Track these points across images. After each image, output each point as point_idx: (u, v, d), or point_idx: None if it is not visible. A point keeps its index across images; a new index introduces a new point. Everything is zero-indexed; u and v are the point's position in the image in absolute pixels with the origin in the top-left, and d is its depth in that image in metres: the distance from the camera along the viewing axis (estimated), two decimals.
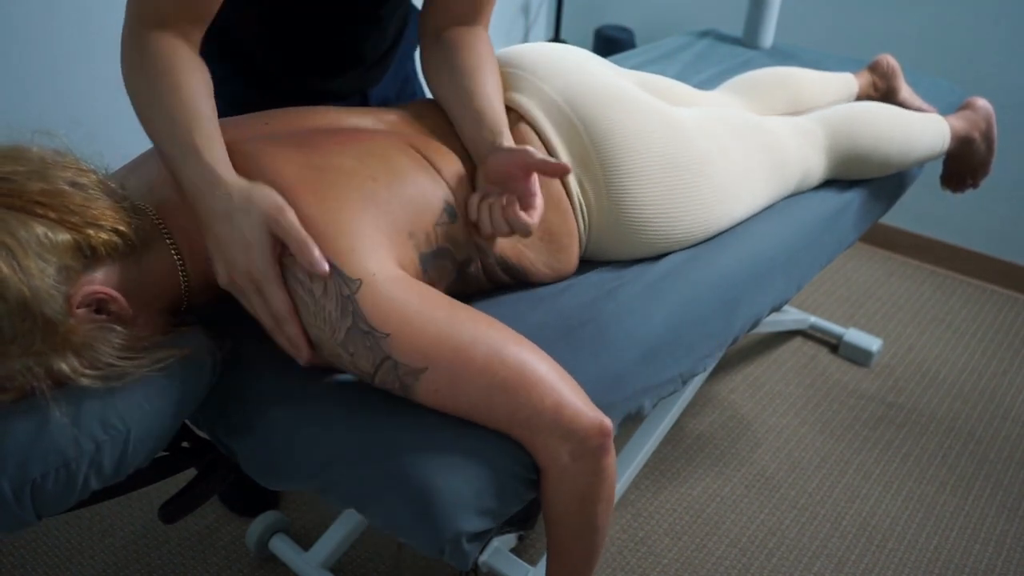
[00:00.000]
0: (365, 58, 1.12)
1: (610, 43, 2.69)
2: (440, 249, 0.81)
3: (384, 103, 1.22)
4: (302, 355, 0.73)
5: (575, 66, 1.02)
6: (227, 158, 0.73)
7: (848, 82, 1.45)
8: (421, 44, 0.99)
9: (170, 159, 0.73)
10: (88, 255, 0.67)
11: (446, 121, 0.96)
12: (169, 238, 0.74)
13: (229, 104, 0.95)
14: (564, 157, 0.95)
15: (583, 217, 0.96)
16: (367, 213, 0.74)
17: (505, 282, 0.92)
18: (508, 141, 0.87)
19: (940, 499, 1.60)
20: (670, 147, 0.99)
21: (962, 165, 1.47)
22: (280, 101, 0.94)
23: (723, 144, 1.06)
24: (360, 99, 1.19)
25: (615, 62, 1.68)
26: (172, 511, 0.85)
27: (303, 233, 0.68)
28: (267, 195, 0.69)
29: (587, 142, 0.95)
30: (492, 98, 0.91)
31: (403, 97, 1.26)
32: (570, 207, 0.95)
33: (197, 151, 0.71)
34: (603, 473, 0.75)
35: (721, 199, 1.04)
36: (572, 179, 0.95)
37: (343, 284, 0.68)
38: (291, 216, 0.69)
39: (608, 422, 0.73)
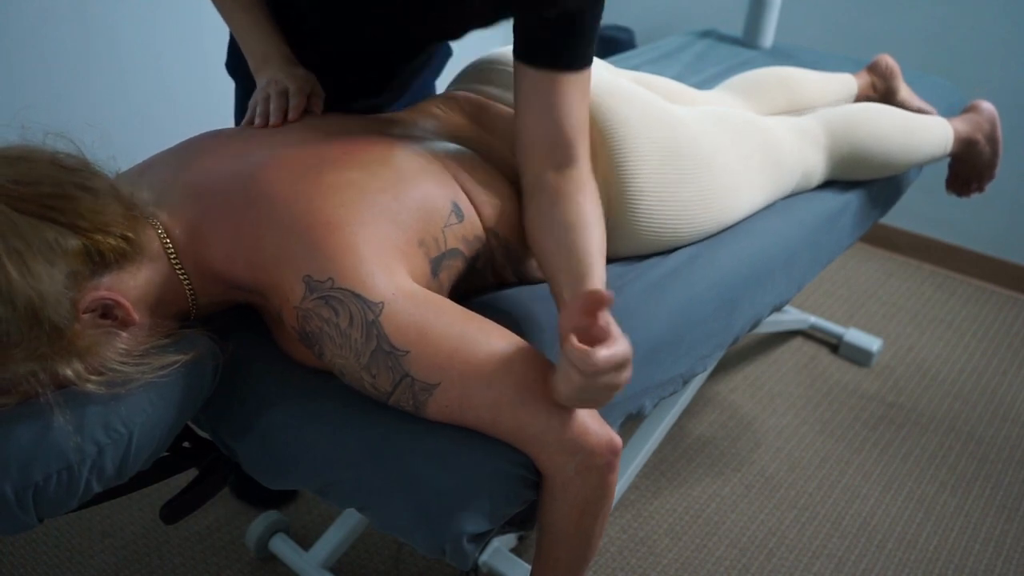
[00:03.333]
0: (392, 84, 1.13)
1: (610, 43, 2.69)
2: (450, 251, 0.81)
3: None
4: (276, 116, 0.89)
5: None
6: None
7: (847, 82, 1.45)
8: (524, 193, 0.88)
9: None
10: (96, 260, 0.67)
11: (451, 119, 0.96)
12: (174, 257, 0.74)
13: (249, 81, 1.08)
14: None
15: None
16: (379, 230, 0.73)
17: (509, 280, 0.92)
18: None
19: (940, 499, 1.60)
20: (669, 138, 0.99)
21: (967, 168, 1.46)
22: None
23: (720, 142, 1.06)
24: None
25: (615, 62, 1.68)
26: (173, 511, 0.86)
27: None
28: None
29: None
30: (597, 257, 0.80)
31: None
32: None
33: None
34: (606, 489, 0.75)
35: (720, 193, 1.04)
36: None
37: (367, 310, 0.68)
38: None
39: (617, 439, 0.73)
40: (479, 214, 0.85)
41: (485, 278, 0.90)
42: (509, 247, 0.89)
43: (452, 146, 0.90)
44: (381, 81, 1.13)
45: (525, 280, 0.94)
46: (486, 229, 0.86)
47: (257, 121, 0.89)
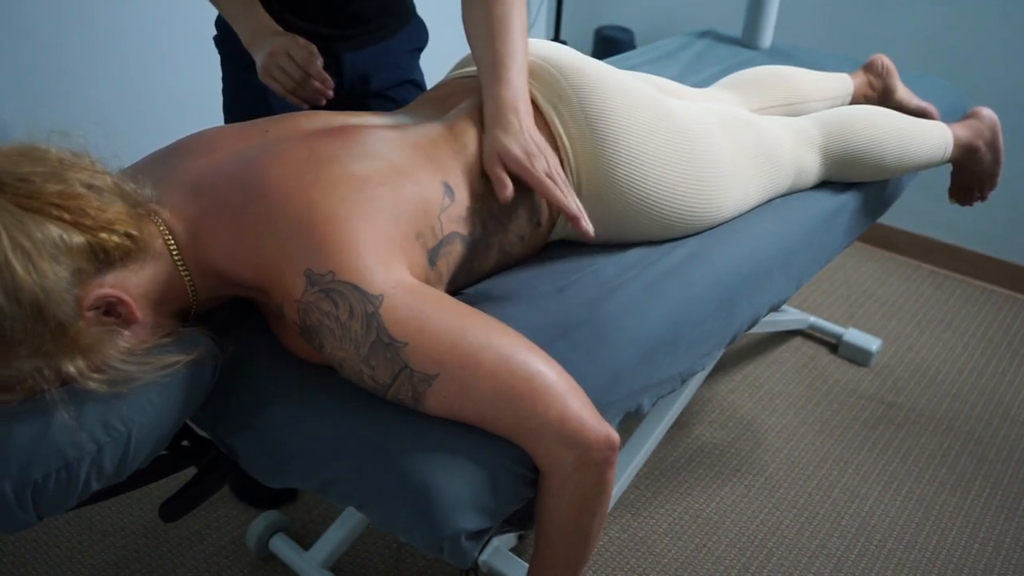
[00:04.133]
0: (346, 12, 1.19)
1: (610, 43, 2.69)
2: (447, 237, 0.82)
3: (360, 77, 1.27)
4: (327, 88, 1.04)
5: (552, 47, 1.04)
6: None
7: (844, 81, 1.45)
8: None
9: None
10: (100, 258, 0.68)
11: (434, 105, 0.98)
12: (176, 254, 0.74)
13: (218, 40, 1.23)
14: (536, 91, 0.97)
15: (565, 148, 0.96)
16: (378, 225, 0.74)
17: (513, 249, 0.93)
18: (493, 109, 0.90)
19: (939, 499, 1.60)
20: (647, 108, 1.00)
21: (968, 176, 1.45)
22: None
23: (710, 130, 1.06)
24: (333, 60, 1.23)
25: (615, 62, 1.68)
26: (172, 510, 0.86)
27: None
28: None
29: (560, 79, 0.97)
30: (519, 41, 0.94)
31: (389, 87, 1.31)
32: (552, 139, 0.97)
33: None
34: (604, 486, 0.75)
35: (709, 172, 1.03)
36: (547, 107, 0.97)
37: (367, 302, 0.69)
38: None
39: (615, 435, 0.74)
40: (465, 175, 0.87)
41: (488, 245, 0.91)
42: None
43: (431, 126, 0.91)
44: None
45: (521, 213, 0.95)
46: (477, 175, 0.88)
47: (305, 107, 1.03)
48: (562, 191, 0.87)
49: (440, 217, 0.82)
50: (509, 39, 0.92)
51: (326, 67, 1.22)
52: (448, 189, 0.84)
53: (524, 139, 0.88)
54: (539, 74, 0.99)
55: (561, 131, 0.96)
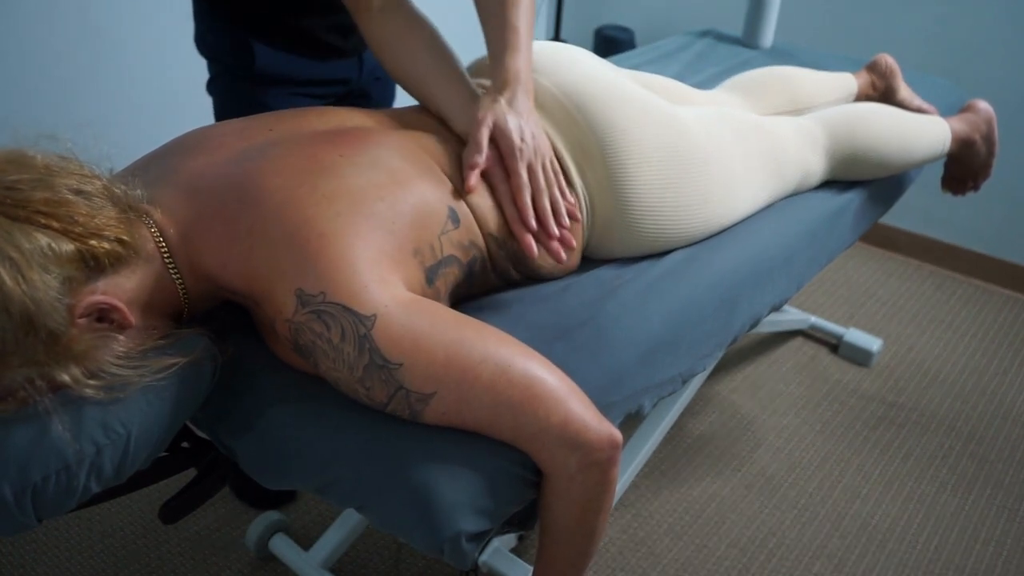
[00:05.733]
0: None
1: (610, 43, 2.69)
2: (446, 259, 0.81)
3: (376, 72, 1.25)
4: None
5: (571, 61, 1.02)
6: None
7: (847, 81, 1.45)
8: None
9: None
10: (91, 265, 0.67)
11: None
12: (168, 257, 0.73)
13: (227, 54, 1.13)
14: (560, 144, 0.96)
15: (586, 206, 0.96)
16: (374, 241, 0.73)
17: (512, 276, 0.92)
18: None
19: (940, 499, 1.60)
20: (670, 138, 0.99)
21: (963, 168, 1.46)
22: (272, 47, 1.09)
23: (723, 143, 1.06)
24: (356, 60, 1.21)
25: (615, 62, 1.68)
26: (172, 511, 0.86)
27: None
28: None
29: (585, 128, 0.95)
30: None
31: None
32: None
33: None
34: (608, 485, 0.75)
35: (721, 196, 1.04)
36: (572, 166, 0.95)
37: (359, 324, 0.68)
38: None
39: (617, 434, 0.73)
40: (476, 216, 0.85)
41: (487, 279, 0.90)
42: (509, 248, 0.89)
43: (452, 145, 0.90)
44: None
45: (531, 276, 0.94)
46: (485, 234, 0.86)
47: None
48: (525, 203, 0.87)
49: (440, 238, 0.80)
50: (520, 8, 0.93)
51: (346, 65, 1.19)
52: (453, 214, 0.82)
53: (524, 124, 0.88)
54: (562, 120, 0.97)
55: (581, 191, 0.96)
